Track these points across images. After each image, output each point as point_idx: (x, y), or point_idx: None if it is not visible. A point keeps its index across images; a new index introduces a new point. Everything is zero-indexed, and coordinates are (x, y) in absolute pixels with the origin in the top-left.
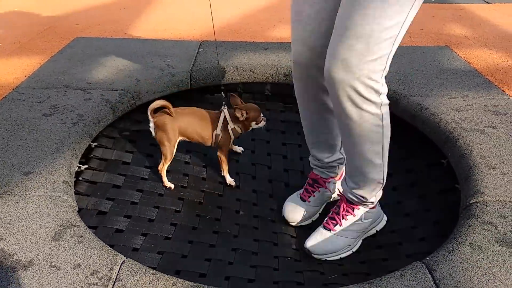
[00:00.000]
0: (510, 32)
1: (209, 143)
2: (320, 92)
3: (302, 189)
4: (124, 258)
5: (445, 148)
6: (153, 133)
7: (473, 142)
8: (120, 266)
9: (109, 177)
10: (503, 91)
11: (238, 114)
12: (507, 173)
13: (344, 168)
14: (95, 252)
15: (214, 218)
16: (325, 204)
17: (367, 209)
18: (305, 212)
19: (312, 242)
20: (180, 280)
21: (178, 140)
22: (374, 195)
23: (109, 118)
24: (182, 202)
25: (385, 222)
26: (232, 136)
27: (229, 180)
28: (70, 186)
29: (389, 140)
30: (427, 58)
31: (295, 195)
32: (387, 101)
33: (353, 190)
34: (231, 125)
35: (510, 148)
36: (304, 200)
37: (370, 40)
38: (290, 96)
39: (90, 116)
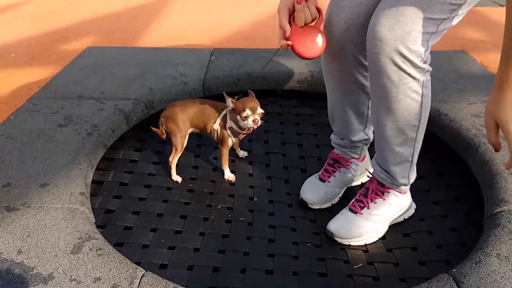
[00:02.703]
0: None
1: (212, 136)
2: (354, 65)
3: (321, 170)
4: (144, 271)
5: (466, 155)
6: (163, 125)
7: None
8: (140, 279)
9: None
10: None
11: (227, 102)
12: None
13: (367, 151)
14: (115, 265)
15: (226, 207)
16: (345, 187)
17: (397, 194)
18: (324, 194)
19: (335, 224)
20: None
21: (189, 131)
22: (405, 176)
23: (123, 128)
24: (191, 194)
25: (413, 211)
26: (231, 136)
27: (228, 175)
28: (87, 198)
29: (428, 114)
30: (443, 63)
31: (314, 177)
32: (430, 69)
33: (383, 169)
34: (228, 123)
35: None
36: (323, 181)
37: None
38: (304, 94)
39: (104, 126)
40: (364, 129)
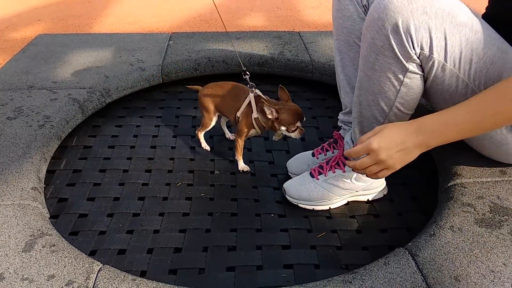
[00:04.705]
0: None
1: (234, 123)
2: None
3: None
4: (101, 265)
5: None
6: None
7: None
8: (97, 274)
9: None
10: None
11: (267, 111)
12: None
13: None
14: (70, 261)
15: (186, 183)
16: None
17: None
18: (307, 166)
19: (290, 182)
20: (161, 284)
21: (217, 113)
22: None
23: (78, 118)
24: (149, 174)
25: (382, 196)
26: (256, 127)
27: (242, 166)
28: (40, 192)
29: (405, 111)
30: None
31: (308, 152)
32: (420, 72)
33: (351, 138)
34: (254, 114)
35: None
36: (313, 155)
37: None
38: (265, 77)
39: (58, 117)
40: None
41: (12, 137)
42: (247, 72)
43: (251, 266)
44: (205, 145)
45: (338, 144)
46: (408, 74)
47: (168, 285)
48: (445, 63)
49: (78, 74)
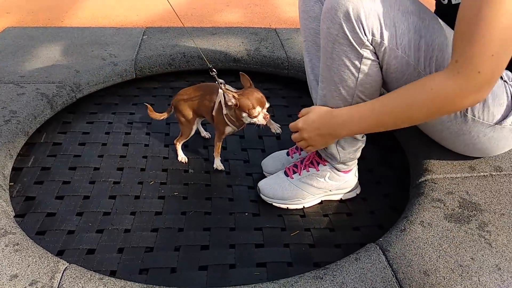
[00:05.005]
0: None
1: (212, 122)
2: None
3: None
4: (67, 264)
5: None
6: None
7: None
8: (63, 273)
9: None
10: None
11: (227, 98)
12: None
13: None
14: (34, 260)
15: (160, 182)
16: None
17: (335, 170)
18: (281, 165)
19: (265, 181)
20: (129, 283)
21: (196, 119)
22: (343, 152)
23: (46, 114)
24: (121, 173)
25: (354, 195)
26: (229, 123)
27: (217, 164)
28: (4, 190)
29: (367, 91)
30: None
31: (283, 151)
32: (375, 59)
33: None
34: (224, 110)
35: None
36: (288, 155)
37: None
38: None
39: (25, 113)
40: None
41: None
42: (214, 69)
43: (224, 265)
44: (182, 157)
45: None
46: (364, 60)
47: (136, 283)
48: (397, 50)
49: (47, 69)
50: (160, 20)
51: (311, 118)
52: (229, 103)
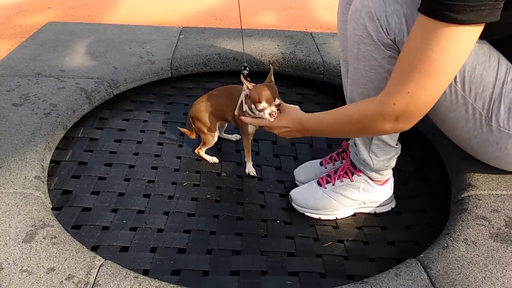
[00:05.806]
0: None
1: (235, 124)
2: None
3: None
4: (103, 260)
5: (434, 140)
6: (192, 125)
7: None
8: (98, 269)
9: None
10: None
11: (243, 87)
12: None
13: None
14: (71, 254)
15: (193, 184)
16: None
17: (370, 182)
18: (314, 175)
19: (298, 190)
20: (164, 283)
21: (217, 126)
22: (376, 159)
23: (84, 108)
24: (155, 172)
25: (389, 209)
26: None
27: (249, 168)
28: (43, 182)
29: None
30: None
31: (317, 161)
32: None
33: (353, 148)
34: (243, 107)
35: None
36: (321, 165)
37: None
38: (275, 76)
39: (64, 106)
40: None
41: (17, 124)
42: (247, 67)
43: (256, 272)
44: (211, 158)
45: (346, 154)
46: (390, 60)
47: (171, 284)
48: None
49: (86, 64)
50: (197, 20)
51: (284, 117)
52: (245, 91)
